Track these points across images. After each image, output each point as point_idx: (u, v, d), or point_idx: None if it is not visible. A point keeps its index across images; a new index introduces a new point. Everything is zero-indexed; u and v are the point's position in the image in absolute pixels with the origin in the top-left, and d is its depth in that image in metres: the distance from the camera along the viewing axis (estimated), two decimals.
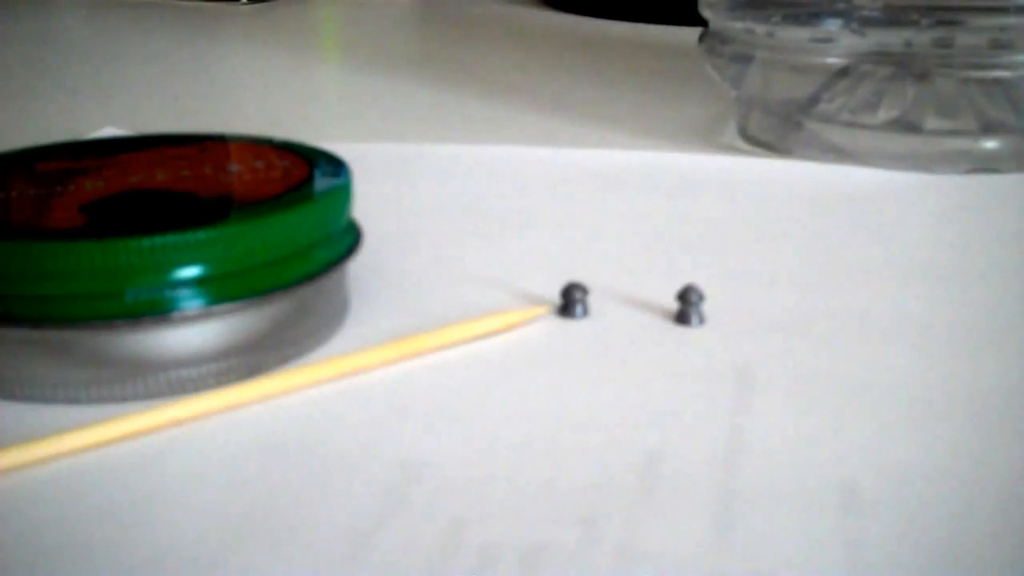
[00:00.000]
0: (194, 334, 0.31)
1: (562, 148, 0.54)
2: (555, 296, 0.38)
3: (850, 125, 0.52)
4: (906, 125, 0.51)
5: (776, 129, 0.54)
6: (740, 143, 0.56)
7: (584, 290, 0.37)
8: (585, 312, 0.37)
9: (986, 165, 0.51)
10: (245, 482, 0.28)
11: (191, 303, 0.31)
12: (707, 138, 0.58)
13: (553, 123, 0.61)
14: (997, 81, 0.50)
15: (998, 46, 0.49)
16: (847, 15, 0.51)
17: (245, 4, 1.01)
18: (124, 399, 0.31)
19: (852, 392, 0.32)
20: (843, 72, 0.52)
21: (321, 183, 0.34)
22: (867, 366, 0.33)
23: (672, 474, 0.28)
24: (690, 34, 0.85)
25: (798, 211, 0.47)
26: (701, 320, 0.36)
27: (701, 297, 0.36)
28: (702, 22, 0.69)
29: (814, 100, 0.53)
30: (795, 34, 0.53)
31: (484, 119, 0.62)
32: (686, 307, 0.36)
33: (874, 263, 0.41)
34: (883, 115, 0.51)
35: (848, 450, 0.29)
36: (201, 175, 0.35)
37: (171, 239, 0.30)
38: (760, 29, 0.54)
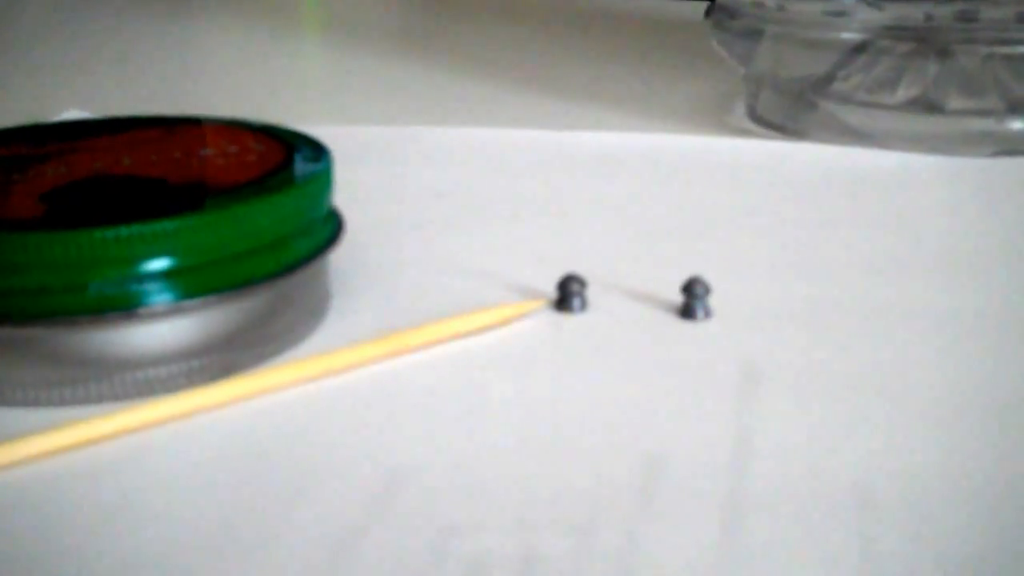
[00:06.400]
0: (163, 331, 0.31)
1: (559, 131, 0.54)
2: (551, 289, 0.38)
3: (867, 105, 0.52)
4: (927, 105, 0.51)
5: (788, 109, 0.54)
6: (749, 124, 0.56)
7: (582, 282, 0.37)
8: (583, 306, 0.37)
9: (1012, 147, 0.51)
10: (219, 489, 0.28)
11: (160, 298, 0.31)
12: (714, 119, 0.58)
13: (549, 104, 0.61)
14: None
15: None
16: None
17: None
18: (88, 401, 0.31)
19: (868, 390, 0.32)
20: (859, 48, 0.52)
21: (300, 168, 0.34)
22: (884, 362, 0.33)
23: (675, 479, 0.28)
24: (696, 8, 0.85)
25: (811, 197, 0.47)
26: (707, 314, 0.36)
27: (707, 289, 0.36)
28: None
29: (829, 78, 0.53)
30: (808, 7, 0.53)
31: (476, 100, 0.61)
32: (691, 300, 0.36)
33: (892, 252, 0.41)
34: (902, 94, 0.51)
35: (864, 452, 0.29)
36: (171, 160, 0.35)
37: (138, 229, 0.30)
38: (771, 2, 0.54)
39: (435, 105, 0.61)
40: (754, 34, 0.55)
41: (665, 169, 0.50)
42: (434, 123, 0.57)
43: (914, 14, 0.50)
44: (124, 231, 0.30)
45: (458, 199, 0.47)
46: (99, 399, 0.31)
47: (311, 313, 0.35)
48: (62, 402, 0.31)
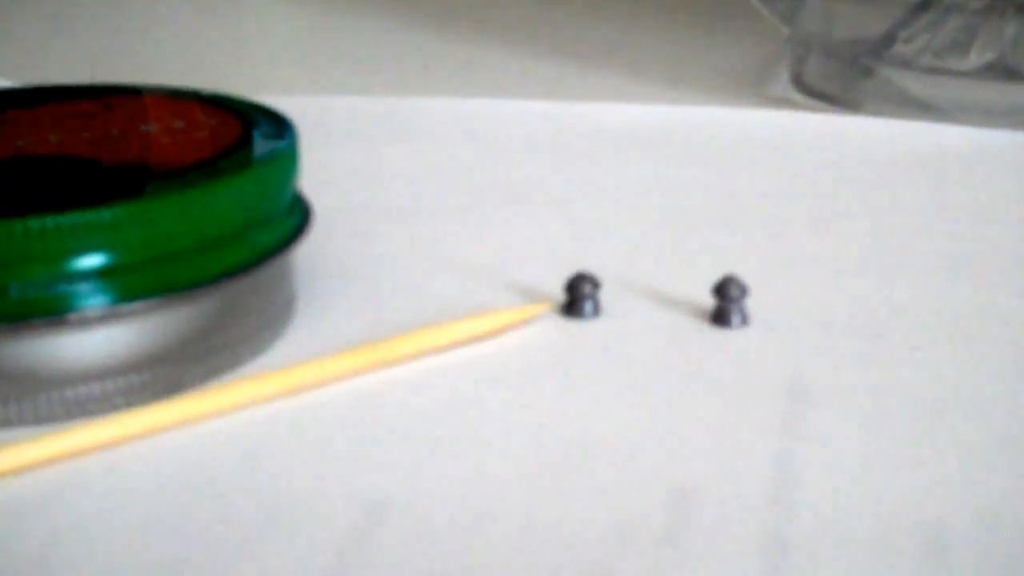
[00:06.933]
0: (98, 341, 0.31)
1: (569, 102, 0.54)
2: (558, 290, 0.38)
3: (933, 71, 0.52)
4: (1004, 71, 0.51)
5: (839, 76, 0.54)
6: (794, 94, 0.57)
7: (595, 283, 0.37)
8: (596, 310, 0.37)
9: None
10: (163, 529, 0.28)
11: (93, 301, 0.31)
12: (752, 88, 0.58)
13: (560, 71, 0.61)
14: None
15: None
16: None
17: None
18: (8, 424, 0.31)
19: (934, 412, 0.32)
20: (924, 4, 0.52)
21: (260, 147, 0.34)
22: (956, 379, 0.33)
23: (707, 517, 0.28)
24: None
25: (867, 180, 0.47)
26: (744, 320, 0.36)
27: (744, 291, 0.36)
28: None
29: (888, 40, 0.53)
30: None
31: (470, 65, 0.61)
32: (725, 304, 0.36)
33: (965, 246, 0.41)
34: (975, 59, 0.51)
35: (931, 487, 0.29)
36: (106, 137, 0.35)
37: (67, 219, 0.30)
38: None
39: (421, 71, 0.61)
40: None
41: (695, 147, 0.50)
42: (420, 93, 0.57)
43: None
44: (50, 222, 0.30)
45: (448, 183, 0.46)
46: (21, 422, 0.31)
47: (273, 319, 0.35)
48: None
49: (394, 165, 0.48)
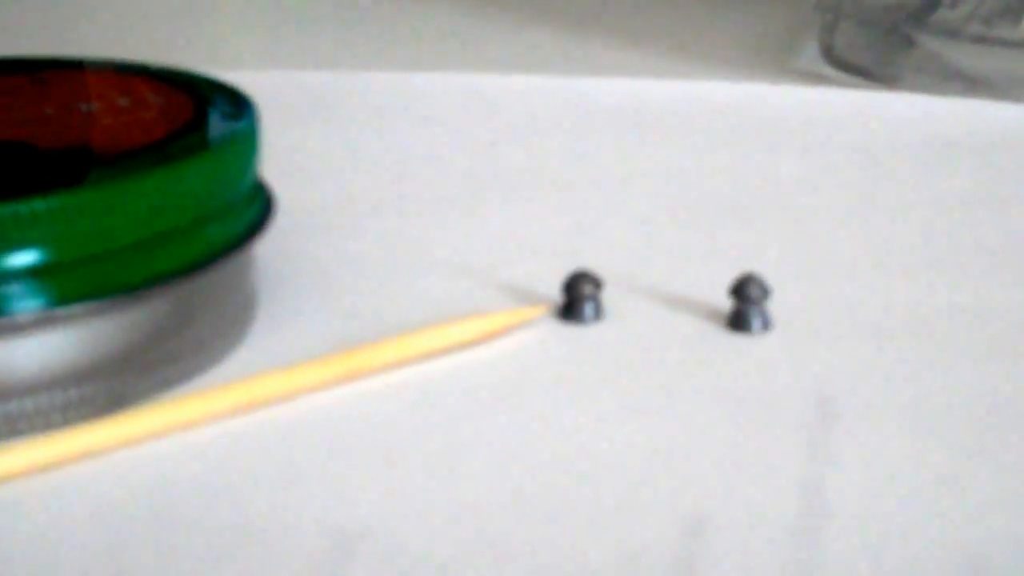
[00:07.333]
0: (31, 349, 0.31)
1: (569, 77, 0.54)
2: (555, 291, 0.38)
3: (982, 41, 0.52)
4: None
5: (875, 48, 0.54)
6: (824, 68, 0.56)
7: (596, 282, 0.37)
8: (598, 314, 0.37)
9: None
10: (103, 562, 0.28)
11: (26, 304, 0.31)
12: (777, 62, 0.58)
13: (561, 41, 0.60)
14: None
15: None
16: None
17: None
18: None
19: (979, 427, 0.32)
20: None
21: (216, 128, 0.34)
22: (1004, 392, 0.33)
23: (725, 549, 0.28)
24: None
25: (907, 165, 0.47)
26: (765, 325, 0.36)
27: (765, 292, 0.36)
28: None
29: (930, 5, 0.53)
30: None
31: (457, 35, 0.61)
32: (744, 306, 0.36)
33: (1017, 242, 0.41)
34: None
35: (977, 514, 0.29)
36: (41, 118, 0.35)
37: None
38: None
39: (400, 42, 0.60)
40: None
41: (710, 128, 0.50)
42: (399, 67, 0.57)
43: None
44: None
45: (431, 170, 0.46)
46: None
47: (231, 324, 0.35)
48: None
49: (369, 150, 0.48)
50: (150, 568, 0.27)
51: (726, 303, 0.37)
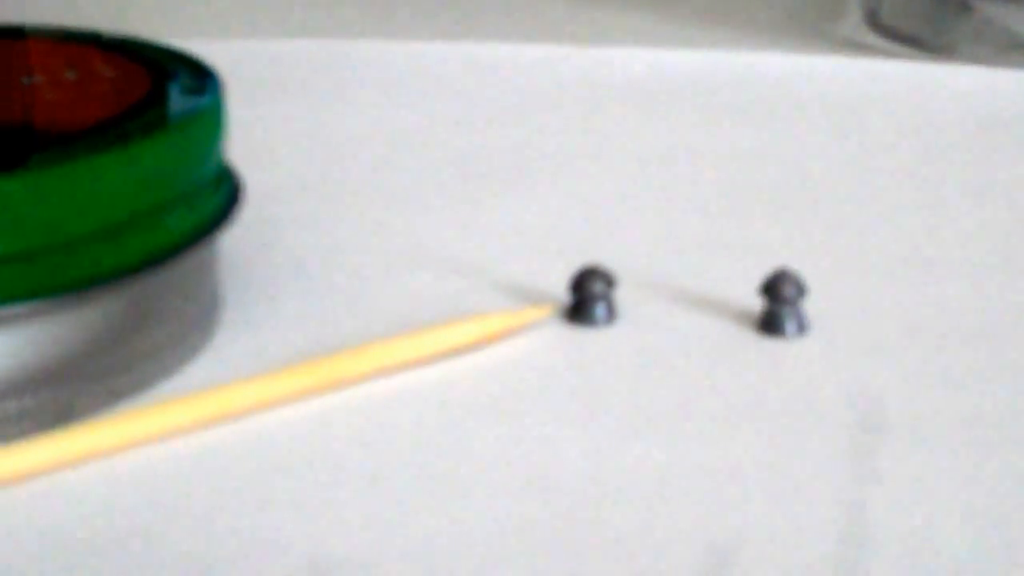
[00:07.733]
0: None
1: (581, 46, 0.54)
2: (562, 290, 0.38)
3: None
4: None
5: (926, 13, 0.54)
6: (869, 36, 0.56)
7: (608, 280, 0.37)
8: (610, 315, 0.37)
9: None
10: None
11: None
12: (816, 29, 0.57)
13: (571, 4, 0.60)
14: None
15: None
16: None
17: None
18: None
19: None
20: None
21: (176, 104, 0.34)
22: None
23: None
24: None
25: (961, 146, 0.47)
26: (801, 327, 0.36)
27: (800, 291, 0.36)
28: None
29: None
30: None
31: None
32: (776, 307, 0.36)
33: None
34: None
35: None
36: None
37: None
38: None
39: (389, 6, 0.60)
40: None
41: (739, 105, 0.50)
42: (383, 35, 0.57)
43: None
44: None
45: (421, 152, 0.46)
46: None
47: (193, 327, 0.35)
48: None
49: (350, 129, 0.48)
50: None
51: (756, 303, 0.38)
